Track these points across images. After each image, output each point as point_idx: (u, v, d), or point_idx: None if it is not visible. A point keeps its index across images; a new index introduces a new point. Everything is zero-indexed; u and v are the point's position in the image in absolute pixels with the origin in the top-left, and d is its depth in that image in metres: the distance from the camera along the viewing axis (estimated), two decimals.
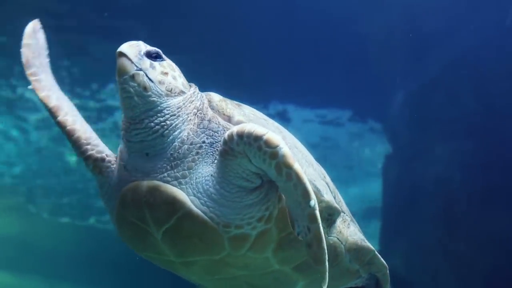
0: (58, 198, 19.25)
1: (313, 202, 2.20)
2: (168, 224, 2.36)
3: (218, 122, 2.46)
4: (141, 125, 2.34)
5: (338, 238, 2.81)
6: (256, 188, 2.37)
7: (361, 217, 15.09)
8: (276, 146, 2.19)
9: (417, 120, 10.17)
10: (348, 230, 2.89)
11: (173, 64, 2.44)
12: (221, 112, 2.52)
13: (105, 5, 8.70)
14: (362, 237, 2.97)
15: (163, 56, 2.41)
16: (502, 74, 8.65)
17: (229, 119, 2.51)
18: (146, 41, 2.40)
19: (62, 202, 19.51)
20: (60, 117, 2.67)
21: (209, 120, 2.44)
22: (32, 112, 12.57)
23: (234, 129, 2.27)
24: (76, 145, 2.65)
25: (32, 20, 2.78)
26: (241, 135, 2.23)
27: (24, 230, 22.76)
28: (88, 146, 2.64)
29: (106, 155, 2.64)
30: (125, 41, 2.35)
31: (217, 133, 2.41)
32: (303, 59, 9.95)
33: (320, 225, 2.20)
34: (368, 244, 2.95)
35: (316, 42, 9.63)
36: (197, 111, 2.43)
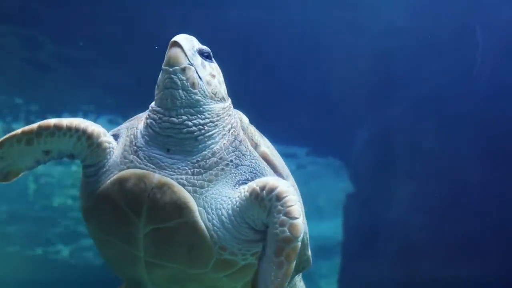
0: (4, 227, 18.54)
1: None
2: (164, 225, 2.29)
3: (247, 145, 2.47)
4: (177, 120, 2.27)
5: None
6: (262, 231, 2.34)
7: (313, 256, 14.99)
8: (295, 236, 2.15)
9: (379, 160, 10.18)
10: (300, 284, 3.03)
11: (219, 69, 2.42)
12: (250, 137, 2.52)
13: None
14: None
15: (213, 58, 2.38)
16: (465, 117, 8.78)
17: (255, 146, 2.53)
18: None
19: (9, 231, 18.79)
20: (50, 121, 2.42)
21: (240, 141, 2.44)
22: None
23: (280, 186, 2.24)
24: (74, 128, 2.40)
25: None
26: (279, 198, 2.20)
27: None
28: (88, 123, 2.45)
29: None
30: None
31: (244, 156, 2.42)
32: (267, 97, 9.81)
33: None
34: None
35: (281, 81, 9.55)
36: (231, 127, 2.42)
